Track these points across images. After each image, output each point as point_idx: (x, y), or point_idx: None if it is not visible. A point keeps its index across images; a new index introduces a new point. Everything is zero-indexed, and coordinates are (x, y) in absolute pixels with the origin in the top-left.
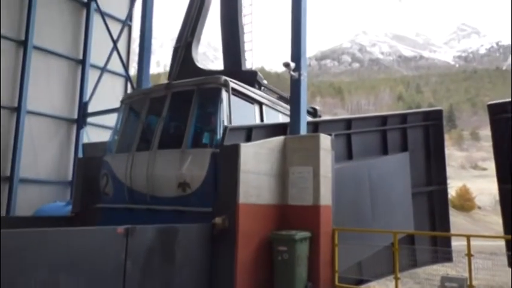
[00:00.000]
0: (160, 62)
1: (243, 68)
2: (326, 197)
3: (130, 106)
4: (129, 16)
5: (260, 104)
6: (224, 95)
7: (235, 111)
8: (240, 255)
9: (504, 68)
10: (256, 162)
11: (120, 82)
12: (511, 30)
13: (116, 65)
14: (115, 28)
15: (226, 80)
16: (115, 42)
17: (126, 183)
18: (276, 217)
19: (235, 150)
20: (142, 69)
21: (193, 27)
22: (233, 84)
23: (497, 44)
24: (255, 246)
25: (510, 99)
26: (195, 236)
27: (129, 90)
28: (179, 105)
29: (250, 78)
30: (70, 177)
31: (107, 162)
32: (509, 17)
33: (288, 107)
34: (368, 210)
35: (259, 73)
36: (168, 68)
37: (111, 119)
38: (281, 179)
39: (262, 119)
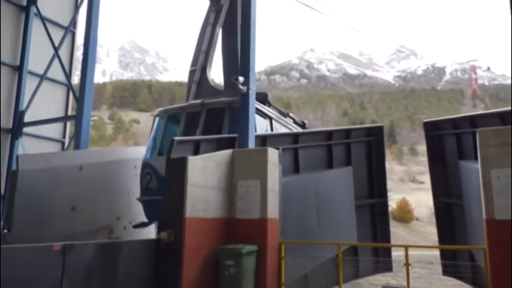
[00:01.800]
0: (107, 71)
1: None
2: (273, 211)
3: (166, 119)
4: (73, 22)
5: (270, 118)
6: None
7: (256, 125)
8: (186, 270)
9: (439, 88)
10: (204, 176)
11: (61, 91)
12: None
13: (57, 73)
14: (57, 34)
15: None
16: (56, 49)
17: None
18: (223, 231)
19: (182, 164)
20: (86, 78)
21: (207, 54)
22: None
23: (432, 65)
24: (201, 260)
25: (443, 118)
26: (140, 252)
27: (71, 100)
28: (213, 120)
29: (262, 98)
30: (2, 191)
31: (149, 163)
32: (454, 41)
33: (287, 120)
34: (314, 223)
35: (268, 94)
36: (115, 77)
37: (51, 130)
38: (228, 193)
39: (272, 130)
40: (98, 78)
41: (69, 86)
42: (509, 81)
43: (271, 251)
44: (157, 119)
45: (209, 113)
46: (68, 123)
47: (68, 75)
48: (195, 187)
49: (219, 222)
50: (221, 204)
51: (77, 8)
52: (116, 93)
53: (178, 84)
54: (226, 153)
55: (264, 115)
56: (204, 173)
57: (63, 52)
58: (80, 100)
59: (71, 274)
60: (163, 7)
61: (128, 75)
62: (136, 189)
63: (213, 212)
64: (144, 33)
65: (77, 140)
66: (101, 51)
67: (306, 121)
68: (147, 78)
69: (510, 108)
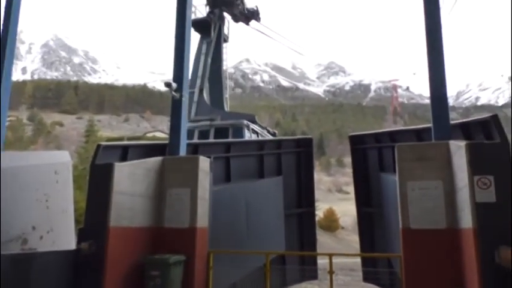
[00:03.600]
0: (28, 68)
1: (226, 109)
2: (203, 219)
3: None
4: None
5: (257, 134)
6: (246, 131)
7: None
8: (108, 283)
9: (364, 104)
10: (132, 183)
11: None
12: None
13: None
14: None
15: (247, 122)
16: None
17: None
18: (150, 240)
19: (108, 170)
20: (1, 76)
21: (202, 78)
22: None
23: (359, 82)
24: (125, 272)
25: (367, 132)
26: (56, 264)
27: None
28: (219, 136)
29: (252, 118)
30: None
31: None
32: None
33: (269, 136)
34: (243, 232)
35: (255, 116)
36: (37, 76)
37: None
38: (157, 201)
39: None
40: (17, 76)
41: None
42: (426, 101)
43: (199, 260)
44: None
45: (217, 130)
46: None
47: None
48: (121, 194)
49: (147, 231)
50: (149, 213)
51: None
52: (38, 93)
53: (109, 86)
54: (156, 160)
55: (255, 132)
56: (132, 180)
57: None
58: None
59: None
60: (96, 5)
61: (52, 74)
62: (56, 197)
63: (140, 220)
64: (72, 31)
65: None
66: (21, 48)
67: (276, 131)
68: (73, 78)
69: (426, 125)
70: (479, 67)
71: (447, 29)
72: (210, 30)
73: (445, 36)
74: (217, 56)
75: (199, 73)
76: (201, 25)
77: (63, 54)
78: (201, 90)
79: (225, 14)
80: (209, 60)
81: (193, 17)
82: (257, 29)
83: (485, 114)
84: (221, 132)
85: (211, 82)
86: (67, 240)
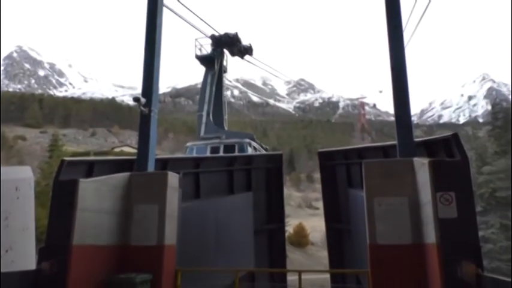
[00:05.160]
0: None
1: (225, 128)
2: (171, 236)
3: (196, 149)
4: None
5: (255, 149)
6: (249, 147)
7: None
8: None
9: (333, 120)
10: (97, 200)
11: None
12: None
13: None
14: None
15: (249, 140)
16: None
17: None
18: (116, 259)
19: (72, 186)
20: None
21: (209, 104)
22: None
23: (328, 99)
24: None
25: (336, 149)
26: (16, 285)
27: None
28: (227, 152)
29: (251, 136)
30: None
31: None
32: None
33: (263, 151)
34: (213, 249)
35: (253, 135)
36: None
37: None
38: (124, 218)
39: None
40: None
41: None
42: (392, 118)
43: (167, 279)
44: (188, 149)
45: (225, 147)
46: None
47: None
48: (86, 212)
49: (112, 249)
50: (115, 230)
51: None
52: None
53: (75, 100)
54: (123, 175)
55: (255, 149)
56: (98, 196)
57: None
58: None
59: None
60: (64, 17)
61: (15, 87)
62: (16, 214)
63: (105, 238)
64: (37, 43)
65: None
66: None
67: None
68: (38, 91)
69: (392, 142)
70: (441, 86)
71: (411, 49)
72: (214, 64)
73: (409, 56)
74: (219, 84)
75: (206, 99)
76: (207, 60)
77: (27, 66)
78: (208, 114)
79: (225, 50)
80: (214, 88)
81: (199, 53)
82: (249, 61)
83: (447, 132)
84: (228, 148)
85: (214, 106)
86: (27, 259)
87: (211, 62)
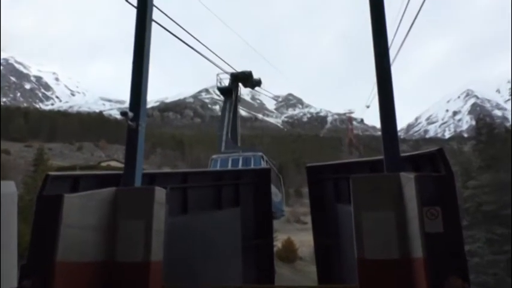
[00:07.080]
0: None
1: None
2: (157, 253)
3: (220, 160)
4: None
5: (267, 162)
6: (262, 160)
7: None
8: None
9: (321, 135)
10: (82, 215)
11: None
12: None
13: None
14: None
15: (262, 154)
16: None
17: None
18: (101, 276)
19: (56, 202)
20: None
21: (227, 126)
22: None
23: (316, 114)
24: None
25: (324, 163)
26: None
27: None
28: (245, 163)
29: (262, 152)
30: None
31: None
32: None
33: (271, 165)
34: (200, 265)
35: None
36: None
37: None
38: (110, 234)
39: None
40: None
41: None
42: (379, 133)
43: None
44: (213, 161)
45: (244, 160)
46: None
47: None
48: (70, 228)
49: (98, 266)
50: (101, 247)
51: None
52: None
53: (62, 114)
54: (109, 190)
55: (267, 162)
56: (83, 212)
57: None
58: None
59: None
60: (52, 29)
61: None
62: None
63: (90, 255)
64: (24, 56)
65: None
66: None
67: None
68: (24, 105)
69: (379, 157)
70: (427, 102)
71: (397, 65)
72: (232, 94)
73: (395, 72)
74: (235, 110)
75: (225, 123)
76: (226, 91)
77: (13, 79)
78: (227, 133)
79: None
80: (231, 115)
81: (218, 85)
82: (257, 90)
83: (433, 147)
84: (246, 160)
85: (229, 128)
86: (8, 277)
87: (230, 92)
